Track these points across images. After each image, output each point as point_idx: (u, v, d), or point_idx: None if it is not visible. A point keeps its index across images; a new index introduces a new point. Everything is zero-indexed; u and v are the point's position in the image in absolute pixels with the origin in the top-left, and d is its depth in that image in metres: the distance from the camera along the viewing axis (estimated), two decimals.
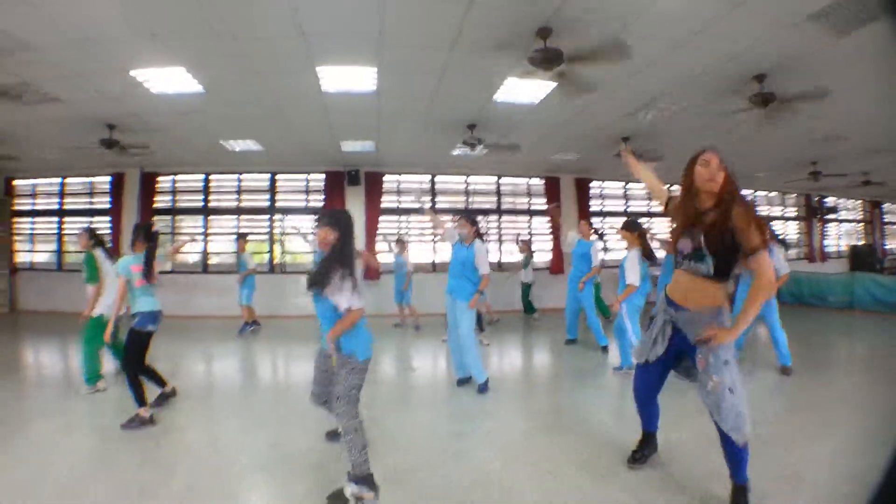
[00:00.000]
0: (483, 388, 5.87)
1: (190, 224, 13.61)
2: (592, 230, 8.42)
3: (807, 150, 11.82)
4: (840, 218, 20.49)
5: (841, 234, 20.92)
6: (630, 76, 7.07)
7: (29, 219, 13.94)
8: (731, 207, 3.00)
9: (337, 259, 3.39)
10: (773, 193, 18.28)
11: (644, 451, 3.79)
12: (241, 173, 13.36)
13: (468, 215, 6.17)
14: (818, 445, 4.07)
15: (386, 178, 13.38)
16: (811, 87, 6.89)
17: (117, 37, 5.91)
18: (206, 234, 13.46)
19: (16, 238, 13.79)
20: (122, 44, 6.09)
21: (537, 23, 5.60)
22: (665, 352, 3.38)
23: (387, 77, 7.23)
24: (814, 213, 18.85)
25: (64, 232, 13.68)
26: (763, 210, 18.04)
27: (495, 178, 14.26)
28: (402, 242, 10.79)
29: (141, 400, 4.85)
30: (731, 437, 3.08)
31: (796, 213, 19.09)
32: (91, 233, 6.45)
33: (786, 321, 11.04)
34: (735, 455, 3.16)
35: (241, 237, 10.60)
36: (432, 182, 13.93)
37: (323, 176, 13.18)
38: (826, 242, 19.71)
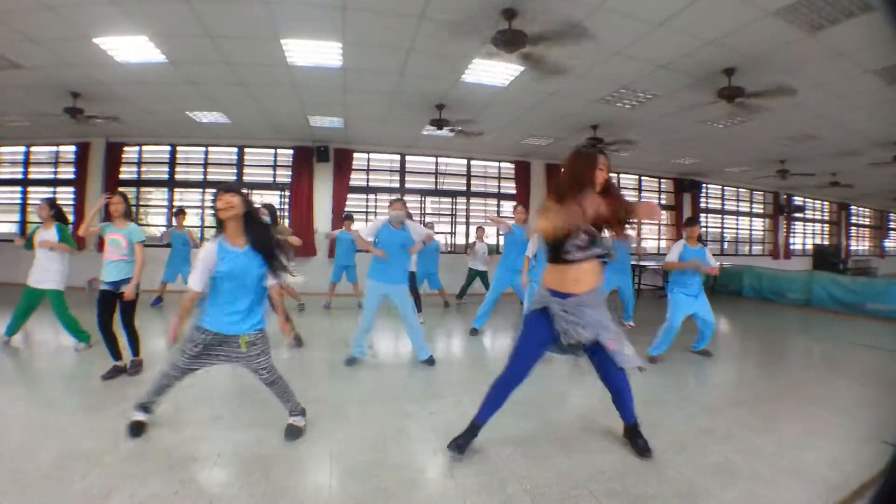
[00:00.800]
0: (433, 361, 6.23)
1: (156, 196, 13.47)
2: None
3: (776, 147, 12.01)
4: (806, 217, 20.87)
5: (807, 234, 21.31)
6: (598, 64, 7.09)
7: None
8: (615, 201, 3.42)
9: (267, 228, 3.84)
10: (742, 189, 18.55)
11: (468, 441, 3.68)
12: (208, 146, 13.20)
13: (403, 200, 6.29)
14: (758, 438, 4.09)
15: (356, 155, 13.31)
16: (779, 84, 7.01)
17: (77, 2, 5.83)
18: (171, 207, 13.22)
19: None
20: (83, 9, 6.00)
21: (503, 3, 5.58)
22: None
23: (352, 53, 7.18)
24: (780, 211, 19.22)
25: (28, 202, 13.40)
26: (731, 205, 18.34)
27: (465, 160, 14.21)
28: (350, 219, 10.60)
29: (137, 350, 5.59)
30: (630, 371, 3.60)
31: (763, 210, 19.37)
32: (51, 203, 6.40)
33: (742, 315, 11.33)
34: (629, 398, 3.74)
35: (181, 212, 10.44)
36: (402, 162, 13.88)
37: (291, 151, 13.08)
38: (792, 240, 20.06)
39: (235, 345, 3.77)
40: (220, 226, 3.67)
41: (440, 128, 9.66)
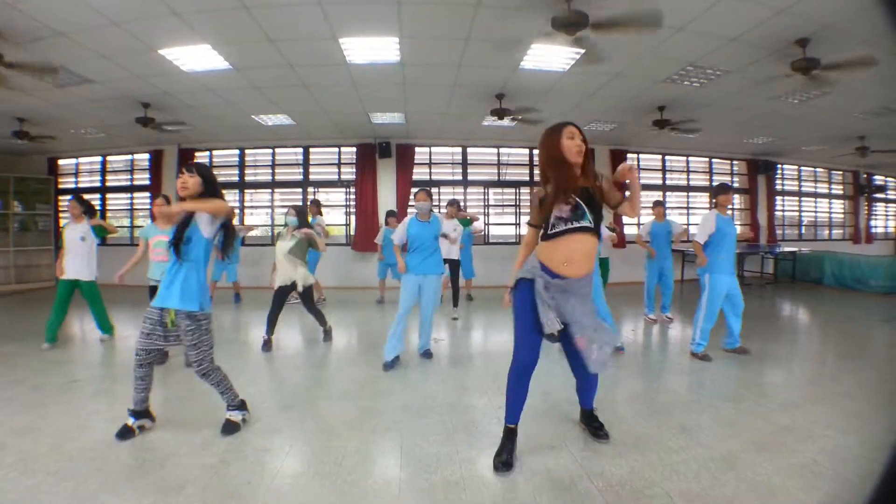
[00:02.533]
0: (430, 354, 6.27)
1: (227, 199, 13.88)
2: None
3: (853, 122, 11.34)
4: (889, 197, 19.69)
5: (890, 215, 20.12)
6: (662, 41, 6.85)
7: (72, 196, 14.27)
8: (597, 174, 3.39)
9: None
10: (820, 169, 17.64)
11: (512, 452, 3.44)
12: (274, 148, 13.59)
13: (426, 188, 6.23)
14: (842, 437, 3.83)
15: (417, 149, 13.39)
16: (856, 53, 6.61)
17: (141, 17, 6.07)
18: (242, 208, 13.76)
19: (61, 216, 14.22)
20: (147, 23, 6.25)
21: None
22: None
23: (409, 47, 7.19)
24: (861, 191, 18.17)
25: (107, 208, 14.19)
26: (808, 186, 17.55)
27: (528, 149, 14.00)
28: (392, 214, 10.38)
29: None
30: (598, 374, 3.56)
31: (842, 192, 18.38)
32: (80, 200, 6.99)
33: (822, 305, 10.78)
34: (593, 388, 3.78)
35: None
36: (464, 154, 13.86)
37: (354, 149, 13.26)
38: (873, 223, 19.01)
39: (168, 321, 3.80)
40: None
41: (501, 117, 9.57)
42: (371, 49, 7.25)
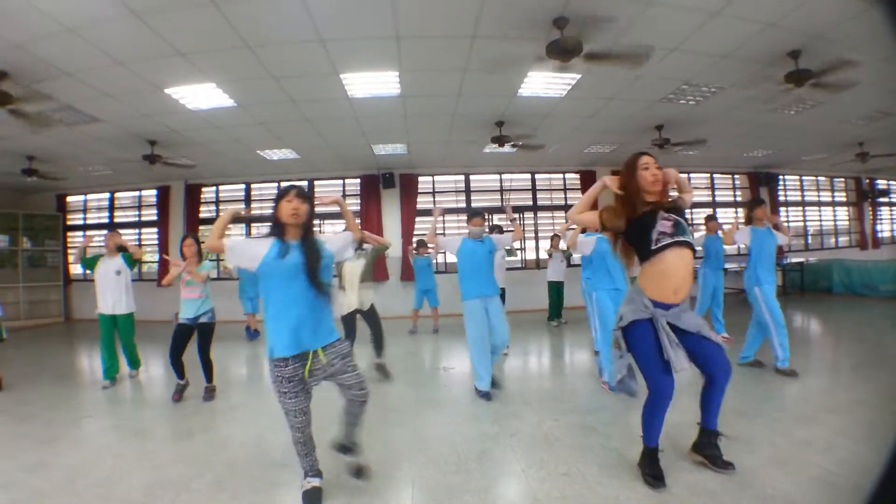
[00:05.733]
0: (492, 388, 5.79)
1: (235, 233, 14.01)
2: None
3: (851, 129, 11.35)
4: (892, 201, 19.58)
5: None
6: (656, 62, 6.90)
7: (81, 233, 14.55)
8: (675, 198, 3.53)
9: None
10: (822, 178, 17.64)
11: (654, 464, 3.46)
12: (280, 181, 13.64)
13: (480, 212, 5.89)
14: (859, 447, 3.80)
15: (420, 179, 13.50)
16: (846, 61, 6.67)
17: (147, 57, 6.21)
18: None
19: (70, 252, 14.35)
20: (152, 63, 6.39)
21: (553, 13, 5.55)
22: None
23: (409, 80, 7.33)
24: (864, 197, 18.10)
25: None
26: (811, 196, 17.55)
27: (529, 174, 14.15)
28: (422, 244, 10.23)
29: (210, 377, 6.05)
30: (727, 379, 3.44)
31: (846, 198, 18.36)
32: (117, 234, 7.03)
33: (833, 313, 10.74)
34: (720, 401, 3.50)
35: None
36: (467, 181, 13.97)
37: (358, 180, 13.40)
38: (879, 228, 18.83)
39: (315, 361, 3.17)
40: (280, 230, 3.31)
41: (501, 144, 9.70)
42: (372, 83, 7.40)
